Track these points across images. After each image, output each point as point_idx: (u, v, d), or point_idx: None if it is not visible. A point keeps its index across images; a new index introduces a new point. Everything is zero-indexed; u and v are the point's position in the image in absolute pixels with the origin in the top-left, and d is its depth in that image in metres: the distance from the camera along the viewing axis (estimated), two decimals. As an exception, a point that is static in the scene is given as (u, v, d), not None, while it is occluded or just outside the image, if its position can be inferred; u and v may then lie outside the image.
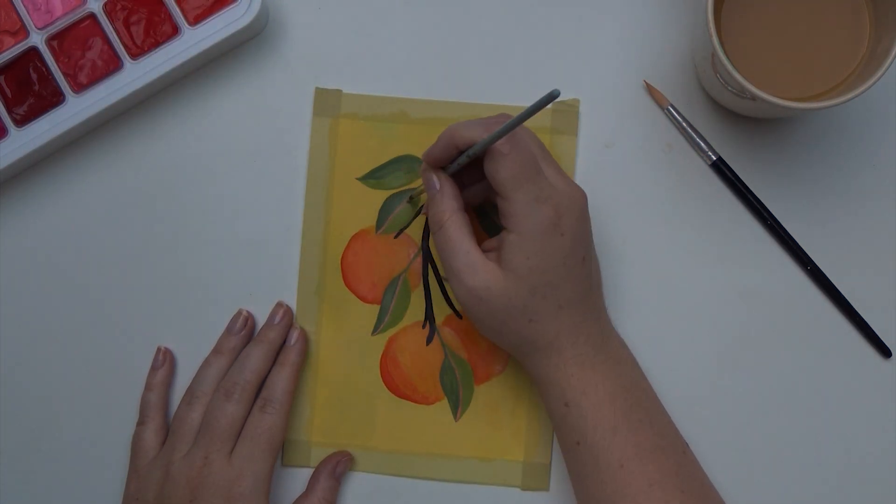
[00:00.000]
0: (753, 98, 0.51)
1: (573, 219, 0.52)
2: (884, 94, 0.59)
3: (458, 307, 0.60)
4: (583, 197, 0.53)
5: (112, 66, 0.59)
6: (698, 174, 0.60)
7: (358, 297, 0.60)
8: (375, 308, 0.60)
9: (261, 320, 0.60)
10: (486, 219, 0.60)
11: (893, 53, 0.50)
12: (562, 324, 0.52)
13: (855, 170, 0.59)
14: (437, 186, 0.54)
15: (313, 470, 0.59)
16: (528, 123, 0.50)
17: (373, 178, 0.60)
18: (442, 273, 0.60)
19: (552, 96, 0.45)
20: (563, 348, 0.53)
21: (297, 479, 0.59)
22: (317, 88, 0.61)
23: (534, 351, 0.53)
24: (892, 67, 0.51)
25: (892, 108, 0.59)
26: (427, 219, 0.60)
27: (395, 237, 0.60)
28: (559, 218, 0.51)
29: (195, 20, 0.59)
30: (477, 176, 0.56)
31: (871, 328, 0.59)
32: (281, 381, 0.57)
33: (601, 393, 0.52)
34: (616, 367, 0.54)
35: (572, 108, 0.60)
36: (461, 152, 0.53)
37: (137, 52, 0.59)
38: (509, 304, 0.52)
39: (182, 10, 0.59)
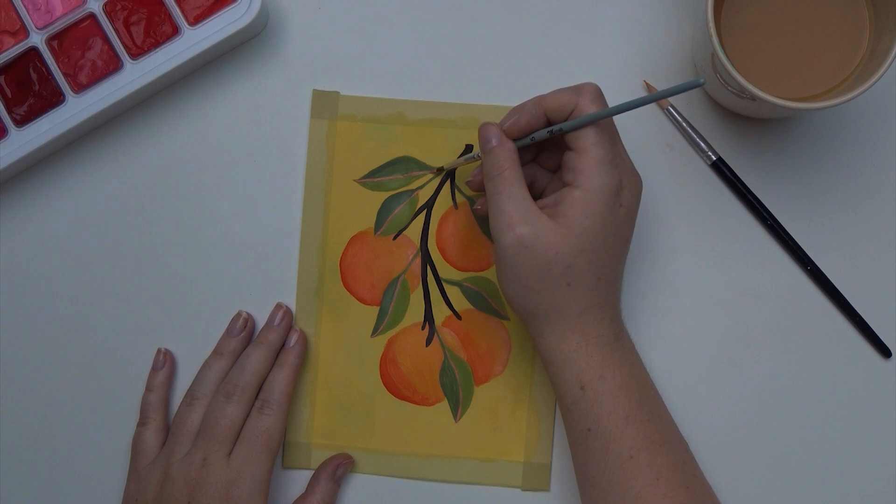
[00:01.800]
0: (753, 98, 0.51)
1: (633, 196, 0.52)
2: (884, 94, 0.59)
3: (457, 308, 0.60)
4: (641, 181, 0.54)
5: (112, 66, 0.59)
6: (698, 174, 0.60)
7: (357, 298, 0.60)
8: (375, 309, 0.60)
9: (260, 321, 0.60)
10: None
11: (893, 53, 0.50)
12: (595, 297, 0.52)
13: (855, 170, 0.59)
14: (496, 141, 0.53)
15: (313, 472, 0.59)
16: None
17: (371, 179, 0.60)
18: (441, 274, 0.60)
19: (696, 84, 0.46)
20: (588, 325, 0.52)
21: (298, 481, 0.60)
22: (314, 91, 0.60)
23: (558, 321, 0.52)
24: (892, 67, 0.51)
25: (892, 108, 0.59)
26: (429, 217, 0.60)
27: (394, 238, 0.60)
28: (622, 188, 0.51)
29: (195, 20, 0.59)
30: (523, 159, 0.55)
31: (871, 328, 0.59)
32: (279, 382, 0.57)
33: (618, 379, 0.52)
34: (630, 357, 0.54)
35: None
36: (548, 122, 0.52)
37: (137, 53, 0.59)
38: (553, 259, 0.51)
39: (182, 10, 0.59)
